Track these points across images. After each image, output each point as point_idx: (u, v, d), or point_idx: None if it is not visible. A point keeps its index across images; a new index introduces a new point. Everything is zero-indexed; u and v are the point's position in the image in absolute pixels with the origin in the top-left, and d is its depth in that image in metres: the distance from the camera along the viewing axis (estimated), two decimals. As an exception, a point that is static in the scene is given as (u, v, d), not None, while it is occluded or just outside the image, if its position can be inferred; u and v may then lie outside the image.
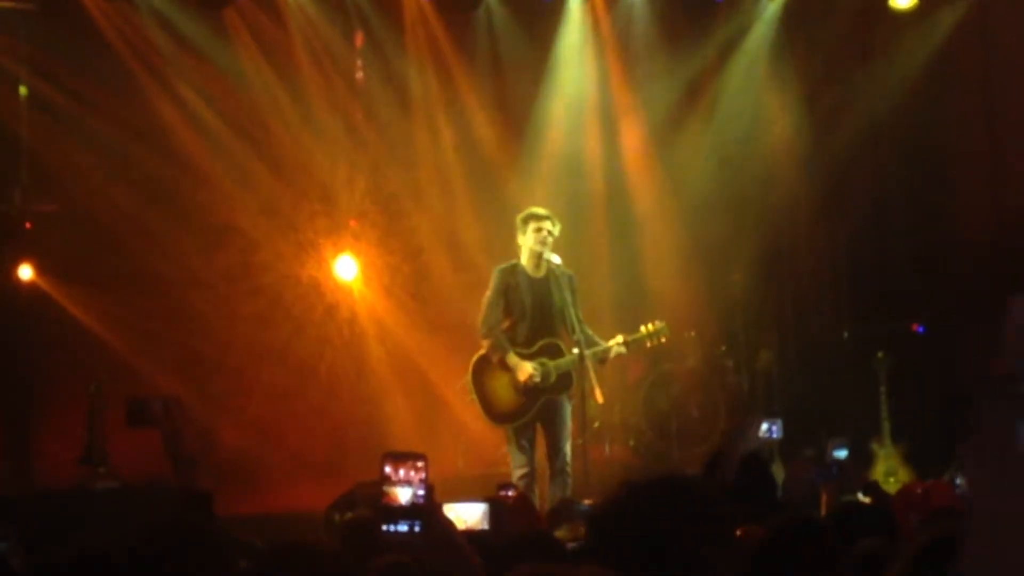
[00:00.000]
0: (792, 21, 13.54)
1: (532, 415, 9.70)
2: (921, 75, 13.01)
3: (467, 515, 5.92)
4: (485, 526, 5.79)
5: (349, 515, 7.82)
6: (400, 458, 3.73)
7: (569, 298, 9.58)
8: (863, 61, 13.35)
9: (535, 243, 9.68)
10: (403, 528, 3.64)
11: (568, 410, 9.78)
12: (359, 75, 13.61)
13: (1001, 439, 2.07)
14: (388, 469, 3.69)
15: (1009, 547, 2.01)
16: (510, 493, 8.11)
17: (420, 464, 3.69)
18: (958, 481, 9.22)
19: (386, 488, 3.66)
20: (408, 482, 3.68)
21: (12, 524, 9.50)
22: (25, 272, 12.62)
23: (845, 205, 13.38)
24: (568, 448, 9.69)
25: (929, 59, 13.02)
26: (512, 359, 9.65)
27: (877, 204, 13.33)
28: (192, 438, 11.54)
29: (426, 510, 3.69)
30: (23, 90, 12.67)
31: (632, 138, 13.79)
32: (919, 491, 8.61)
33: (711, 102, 13.77)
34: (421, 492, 3.69)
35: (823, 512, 6.86)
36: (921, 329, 12.87)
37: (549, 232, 9.67)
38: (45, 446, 12.60)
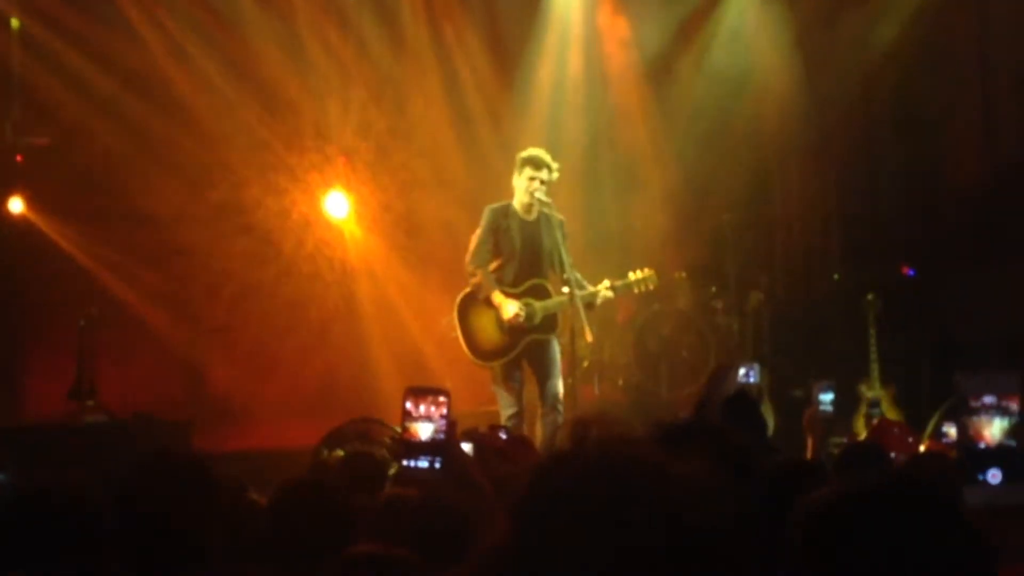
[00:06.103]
0: (786, -38, 13.49)
1: (516, 354, 9.66)
2: (915, 19, 12.95)
3: None
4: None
5: (339, 451, 7.83)
6: (421, 393, 3.69)
7: (560, 241, 9.54)
8: (856, 4, 13.28)
9: (526, 193, 9.63)
10: (423, 464, 3.62)
11: (557, 349, 9.74)
12: (350, 11, 13.53)
13: None
14: (409, 404, 3.65)
15: None
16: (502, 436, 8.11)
17: (442, 399, 3.65)
18: (944, 428, 9.25)
19: (406, 423, 3.63)
20: (428, 417, 3.65)
21: (10, 455, 9.59)
22: (15, 205, 12.56)
23: (837, 147, 13.38)
24: (560, 386, 9.65)
25: (923, 3, 12.96)
26: (497, 297, 9.60)
27: (869, 147, 13.33)
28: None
29: (446, 447, 3.66)
30: (15, 23, 12.58)
31: (624, 78, 13.76)
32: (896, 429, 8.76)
33: (704, 43, 13.71)
34: (442, 428, 3.66)
35: (808, 456, 6.92)
36: (911, 272, 12.90)
37: (543, 181, 9.60)
38: (34, 380, 12.61)
